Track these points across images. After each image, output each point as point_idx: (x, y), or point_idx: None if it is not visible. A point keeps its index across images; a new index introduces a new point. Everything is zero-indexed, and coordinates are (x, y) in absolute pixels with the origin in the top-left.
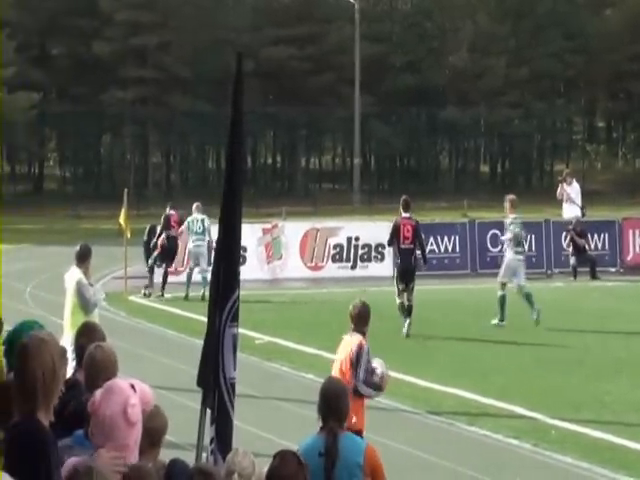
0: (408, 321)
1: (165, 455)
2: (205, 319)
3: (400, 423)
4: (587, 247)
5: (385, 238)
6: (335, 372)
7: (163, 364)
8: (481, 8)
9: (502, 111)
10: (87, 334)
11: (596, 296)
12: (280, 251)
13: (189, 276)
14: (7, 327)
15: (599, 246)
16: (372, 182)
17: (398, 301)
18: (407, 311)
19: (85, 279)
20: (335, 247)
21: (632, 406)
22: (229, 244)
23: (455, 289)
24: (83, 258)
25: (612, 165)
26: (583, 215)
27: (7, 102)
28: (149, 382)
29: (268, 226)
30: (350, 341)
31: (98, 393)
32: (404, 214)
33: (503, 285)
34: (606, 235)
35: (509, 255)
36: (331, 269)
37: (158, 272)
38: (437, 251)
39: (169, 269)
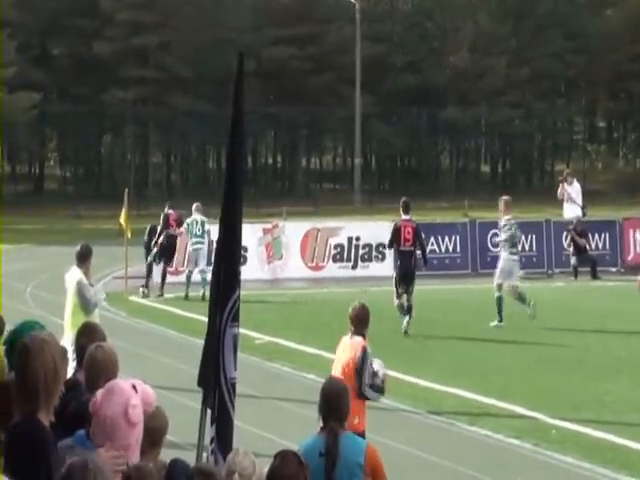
0: (407, 318)
1: (166, 455)
2: (206, 319)
3: (401, 423)
4: (588, 247)
5: (386, 238)
6: (337, 375)
7: (164, 364)
8: (482, 8)
9: (503, 111)
10: (88, 334)
11: (597, 296)
12: (281, 251)
13: (189, 276)
14: (8, 327)
15: (600, 246)
16: (373, 182)
17: (397, 302)
18: (407, 310)
19: (86, 279)
20: (336, 247)
21: (633, 406)
22: (230, 244)
23: (456, 289)
24: (84, 258)
25: (613, 165)
26: (584, 215)
27: (8, 102)
28: (150, 382)
29: (269, 226)
30: (351, 344)
31: (99, 393)
32: (404, 216)
33: (499, 287)
34: (607, 235)
35: (504, 256)
36: (332, 269)
37: (156, 271)
38: (438, 251)
39: (169, 268)
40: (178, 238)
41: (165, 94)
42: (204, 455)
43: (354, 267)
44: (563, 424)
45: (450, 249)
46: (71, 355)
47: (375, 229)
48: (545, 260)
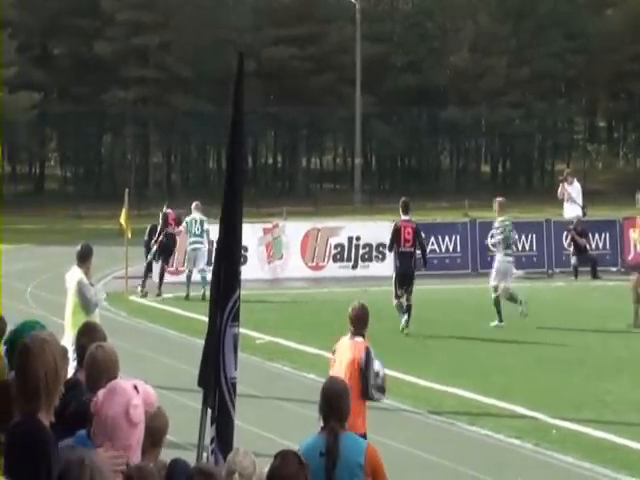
0: (405, 317)
1: (166, 455)
2: (206, 319)
3: (401, 423)
4: (588, 247)
5: (386, 238)
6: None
7: (164, 364)
8: (482, 8)
9: (503, 111)
10: (88, 334)
11: (597, 296)
12: (281, 251)
13: (189, 276)
14: (8, 327)
15: (600, 246)
16: (373, 182)
17: (395, 302)
18: (406, 309)
19: (86, 279)
20: (336, 247)
21: (633, 405)
22: (230, 244)
23: (456, 289)
24: (84, 258)
25: (613, 165)
26: (584, 215)
27: (8, 102)
28: (150, 382)
29: (269, 226)
30: (353, 345)
31: (101, 393)
32: (404, 216)
33: (495, 288)
34: (607, 235)
35: (499, 258)
36: (332, 269)
37: (155, 271)
38: (438, 251)
39: (169, 268)
40: (177, 237)
41: (165, 94)
42: (204, 455)
43: (354, 267)
44: (563, 424)
45: (450, 249)
46: (72, 355)
47: (375, 229)
48: (545, 260)
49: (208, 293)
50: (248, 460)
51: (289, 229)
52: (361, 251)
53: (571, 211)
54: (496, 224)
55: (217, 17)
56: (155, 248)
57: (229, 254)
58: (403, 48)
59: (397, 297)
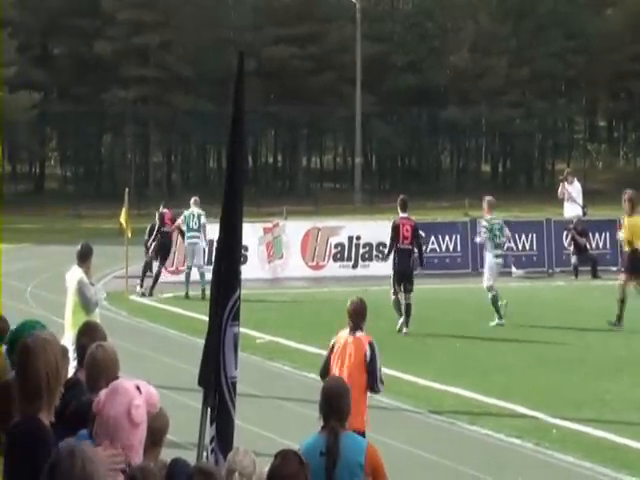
0: (402, 319)
1: (166, 454)
2: (206, 318)
3: (401, 422)
4: (588, 246)
5: (386, 237)
6: (341, 373)
7: (164, 363)
8: (482, 8)
9: (503, 111)
10: (88, 334)
11: (597, 295)
12: (281, 250)
13: (188, 274)
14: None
15: (600, 245)
16: (373, 181)
17: (393, 297)
18: (406, 310)
19: (86, 278)
20: (336, 246)
21: (633, 405)
22: (230, 243)
23: (456, 288)
24: (84, 257)
25: (613, 164)
26: (584, 214)
27: (8, 101)
28: (151, 381)
29: (269, 225)
30: (354, 341)
31: (103, 393)
32: (402, 214)
33: (490, 288)
34: (607, 234)
35: (489, 258)
36: (332, 268)
37: (154, 270)
38: (438, 250)
39: (169, 268)
40: (173, 235)
41: (166, 93)
42: (204, 454)
43: (354, 266)
44: (564, 423)
45: (451, 248)
46: (72, 354)
47: (375, 228)
48: (546, 259)
49: (208, 292)
50: (248, 459)
51: (289, 228)
52: (361, 250)
53: (571, 211)
54: (483, 222)
55: (217, 16)
56: (153, 246)
57: (229, 253)
58: (403, 48)
59: (395, 293)
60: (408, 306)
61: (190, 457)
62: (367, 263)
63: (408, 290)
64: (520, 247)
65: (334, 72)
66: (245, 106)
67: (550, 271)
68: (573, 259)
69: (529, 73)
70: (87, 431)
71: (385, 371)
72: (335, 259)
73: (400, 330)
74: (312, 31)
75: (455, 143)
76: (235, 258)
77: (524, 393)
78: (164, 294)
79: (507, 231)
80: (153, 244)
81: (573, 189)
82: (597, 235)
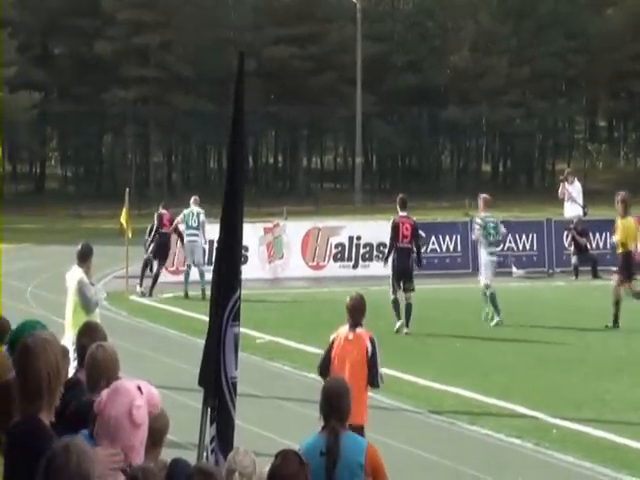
0: (399, 323)
1: (167, 454)
2: (206, 318)
3: (401, 422)
4: (588, 246)
5: (386, 237)
6: (343, 369)
7: (165, 363)
8: (483, 7)
9: (504, 110)
10: (89, 334)
11: (597, 295)
12: (282, 250)
13: (187, 273)
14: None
15: (600, 245)
16: (374, 181)
17: (392, 297)
18: (406, 310)
19: (86, 278)
20: (337, 246)
21: (633, 405)
22: (230, 243)
23: (456, 288)
24: (84, 257)
25: (613, 164)
26: (584, 214)
27: (9, 101)
28: (151, 382)
29: (270, 225)
30: (355, 338)
31: (104, 393)
32: (401, 213)
33: (487, 286)
34: (607, 234)
35: (484, 256)
36: (333, 268)
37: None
38: (439, 250)
39: (166, 268)
40: (172, 236)
41: (166, 93)
42: (205, 454)
43: (355, 266)
44: (564, 423)
45: (451, 248)
46: (72, 355)
47: (376, 228)
48: (546, 259)
49: (208, 292)
50: (248, 459)
51: (290, 228)
52: (362, 251)
53: (572, 211)
54: (477, 219)
55: (218, 16)
56: (150, 249)
57: (230, 253)
58: (404, 48)
59: (394, 292)
60: (409, 306)
61: (190, 457)
62: (367, 263)
63: (408, 289)
64: (520, 247)
65: (334, 72)
66: (245, 106)
67: (550, 271)
68: (573, 259)
69: (529, 73)
70: (88, 431)
71: (385, 371)
72: (335, 259)
73: (398, 332)
74: (312, 31)
75: (455, 143)
76: (235, 258)
77: (524, 393)
78: (164, 294)
79: (502, 229)
80: (151, 245)
81: (573, 189)
82: (597, 235)
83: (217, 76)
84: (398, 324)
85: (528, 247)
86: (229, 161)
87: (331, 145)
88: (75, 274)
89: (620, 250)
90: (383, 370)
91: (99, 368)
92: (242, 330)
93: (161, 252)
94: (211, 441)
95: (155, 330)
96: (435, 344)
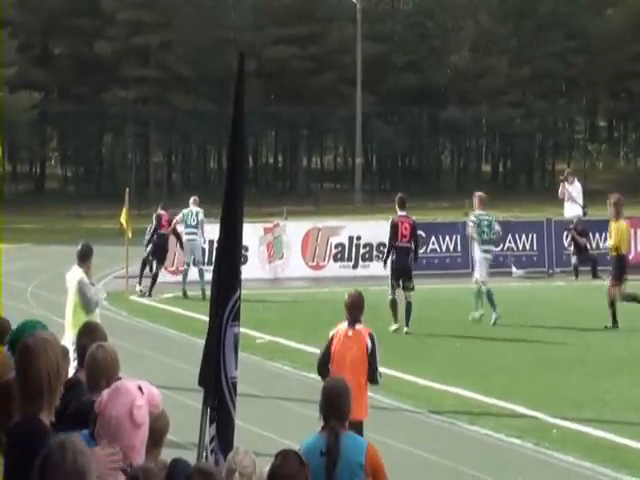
0: (396, 326)
1: (167, 454)
2: (206, 318)
3: (401, 422)
4: (588, 246)
5: (386, 238)
6: (343, 366)
7: (165, 363)
8: (483, 8)
9: (504, 111)
10: (89, 334)
11: (597, 295)
12: (282, 250)
13: (185, 272)
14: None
15: (600, 245)
16: (374, 182)
17: (390, 297)
18: (406, 309)
19: (86, 278)
20: (337, 246)
21: (632, 405)
22: (230, 243)
23: (456, 288)
24: (84, 257)
25: (614, 164)
26: (584, 214)
27: (9, 101)
28: (151, 382)
29: (270, 225)
30: (354, 335)
31: (105, 393)
32: (400, 212)
33: (483, 282)
34: (607, 234)
35: (477, 254)
36: (332, 268)
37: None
38: (439, 250)
39: (166, 268)
40: (170, 238)
41: (166, 93)
42: (205, 454)
43: (355, 266)
44: (564, 423)
45: (451, 248)
46: (72, 355)
47: (376, 229)
48: (546, 259)
49: (208, 292)
50: (248, 459)
51: (290, 229)
52: (362, 251)
53: (572, 211)
54: (471, 217)
55: (218, 17)
56: (149, 248)
57: (230, 254)
58: (404, 48)
59: (393, 292)
60: (409, 305)
61: (190, 457)
62: (367, 263)
63: (408, 288)
64: (520, 247)
65: (334, 72)
66: (245, 106)
67: (550, 271)
68: (573, 259)
69: (529, 73)
70: (88, 431)
71: (385, 371)
72: (335, 259)
73: (395, 332)
74: (312, 31)
75: (455, 143)
76: (235, 258)
77: (524, 393)
78: (164, 294)
79: (497, 227)
80: (149, 246)
81: (573, 189)
82: (597, 235)
83: (217, 76)
84: (394, 326)
85: (528, 247)
86: (229, 161)
87: (331, 145)
88: (75, 274)
89: (613, 253)
90: (382, 370)
91: (99, 368)
92: (242, 330)
93: (159, 253)
94: (211, 441)
95: (155, 330)
96: (435, 344)
